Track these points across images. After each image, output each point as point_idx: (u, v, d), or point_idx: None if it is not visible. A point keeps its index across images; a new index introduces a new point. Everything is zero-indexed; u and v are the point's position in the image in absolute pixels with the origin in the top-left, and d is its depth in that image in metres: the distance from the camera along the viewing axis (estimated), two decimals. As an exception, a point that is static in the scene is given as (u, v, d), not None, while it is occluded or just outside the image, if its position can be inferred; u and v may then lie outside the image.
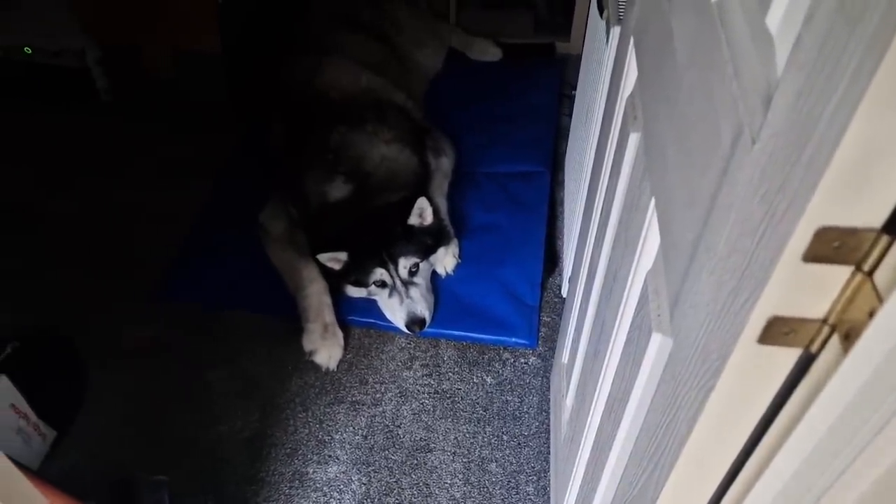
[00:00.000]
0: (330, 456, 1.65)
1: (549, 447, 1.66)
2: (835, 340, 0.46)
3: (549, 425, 1.69)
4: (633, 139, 0.93)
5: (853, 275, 0.43)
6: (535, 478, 1.61)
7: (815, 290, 0.45)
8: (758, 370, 0.51)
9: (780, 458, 0.52)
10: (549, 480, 1.60)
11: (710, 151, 0.59)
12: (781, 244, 0.44)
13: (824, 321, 0.47)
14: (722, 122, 0.57)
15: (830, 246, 0.42)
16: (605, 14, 1.27)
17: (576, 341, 1.38)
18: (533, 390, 1.77)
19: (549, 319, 1.93)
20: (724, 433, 0.57)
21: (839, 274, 0.44)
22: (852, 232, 0.41)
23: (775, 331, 0.48)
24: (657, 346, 0.72)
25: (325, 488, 1.60)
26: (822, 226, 0.42)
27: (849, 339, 0.44)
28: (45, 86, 2.52)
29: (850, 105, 0.38)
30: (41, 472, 1.57)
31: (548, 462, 1.64)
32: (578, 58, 2.13)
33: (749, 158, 0.50)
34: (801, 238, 0.43)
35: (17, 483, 0.64)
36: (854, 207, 0.41)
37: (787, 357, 0.50)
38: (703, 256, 0.59)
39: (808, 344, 0.48)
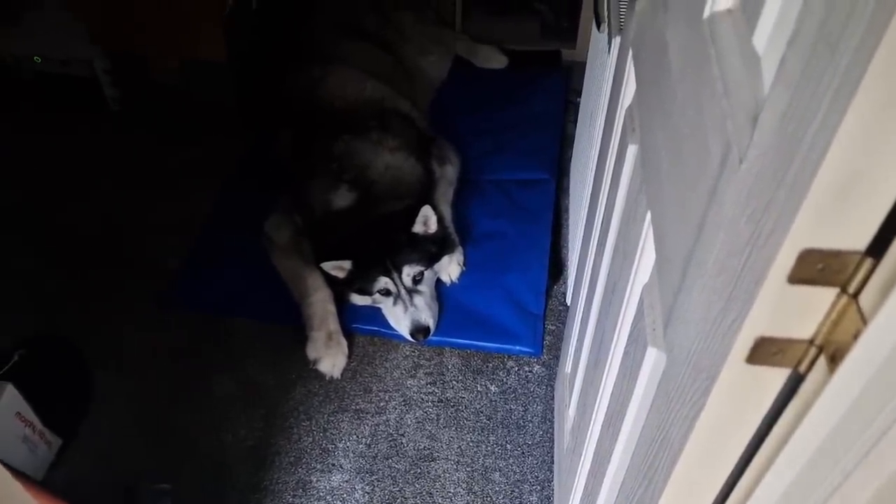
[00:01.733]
0: (333, 464, 1.65)
1: (552, 457, 1.65)
2: (822, 361, 0.46)
3: (552, 434, 1.69)
4: (632, 151, 0.93)
5: (838, 297, 0.43)
6: (538, 487, 1.61)
7: (802, 312, 0.45)
8: (747, 389, 0.51)
9: (770, 478, 0.52)
10: (552, 490, 1.59)
11: (701, 168, 0.59)
12: (767, 265, 0.44)
13: (811, 342, 0.46)
14: (712, 138, 0.57)
15: (815, 268, 0.42)
16: (602, 28, 1.27)
17: (578, 351, 1.38)
18: (537, 399, 1.77)
19: (553, 328, 1.92)
20: (716, 451, 0.57)
21: (825, 296, 0.44)
22: (836, 254, 0.41)
23: (763, 351, 0.48)
24: (652, 360, 0.71)
25: (328, 497, 1.60)
26: (805, 248, 0.41)
27: (835, 360, 0.44)
28: (54, 94, 2.54)
29: (830, 127, 0.38)
30: (47, 481, 1.58)
31: (551, 472, 1.63)
32: (584, 65, 2.13)
33: (736, 177, 0.50)
34: (785, 260, 0.43)
35: (10, 489, 0.64)
36: (837, 230, 0.41)
37: (775, 377, 0.50)
38: (695, 273, 0.59)
39: (796, 364, 0.48)
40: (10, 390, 1.49)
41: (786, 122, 0.43)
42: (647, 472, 0.71)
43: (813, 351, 0.46)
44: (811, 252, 0.41)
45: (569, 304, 1.91)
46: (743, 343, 0.48)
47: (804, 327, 0.46)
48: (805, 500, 0.52)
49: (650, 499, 0.69)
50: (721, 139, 0.54)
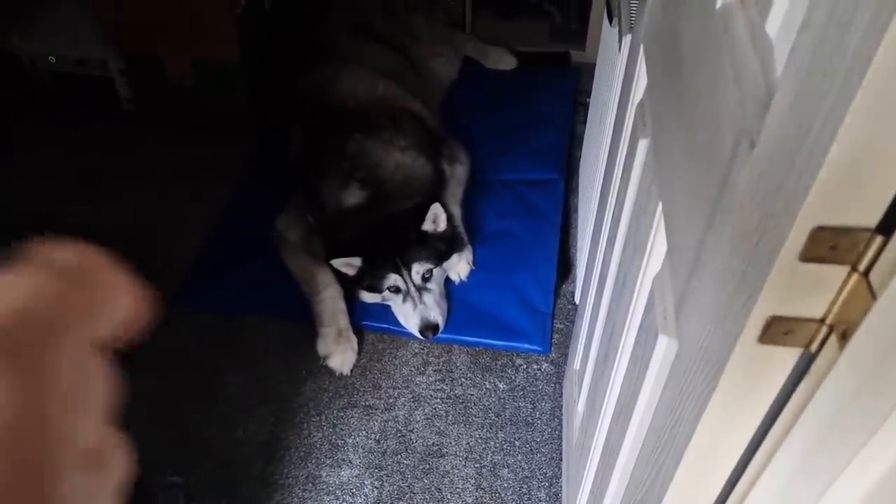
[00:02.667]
0: (343, 460, 1.66)
1: (561, 453, 1.66)
2: (833, 340, 0.47)
3: (561, 431, 1.70)
4: (643, 145, 0.94)
5: (849, 275, 0.44)
6: (546, 483, 1.62)
7: (813, 290, 0.46)
8: (759, 369, 0.52)
9: (781, 456, 0.53)
10: (560, 486, 1.60)
11: (713, 156, 0.61)
12: (778, 245, 0.45)
13: (822, 321, 0.47)
14: (724, 126, 0.58)
15: (826, 246, 0.43)
16: (614, 22, 1.29)
17: (587, 347, 1.39)
18: (545, 396, 1.78)
19: (562, 326, 1.93)
20: (727, 432, 0.58)
21: (835, 274, 0.45)
22: (846, 232, 0.42)
23: (775, 330, 0.49)
24: (663, 348, 0.72)
25: (337, 492, 1.61)
26: (816, 226, 0.43)
27: (845, 338, 0.45)
28: (68, 94, 2.57)
29: (841, 108, 0.39)
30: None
31: (560, 468, 1.64)
32: (593, 66, 2.14)
33: (749, 163, 0.51)
34: (796, 238, 0.44)
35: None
36: (848, 208, 0.42)
37: (787, 356, 0.51)
38: (706, 259, 0.60)
39: (807, 343, 0.49)
40: (26, 383, 1.51)
41: (797, 105, 0.44)
42: (657, 458, 0.72)
43: (824, 330, 0.47)
44: (822, 230, 0.42)
45: (577, 302, 1.93)
46: (755, 322, 0.49)
47: (815, 306, 0.47)
48: (815, 478, 0.53)
49: (661, 484, 0.70)
50: (734, 126, 0.55)
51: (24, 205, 2.24)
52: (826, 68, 0.40)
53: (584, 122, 2.27)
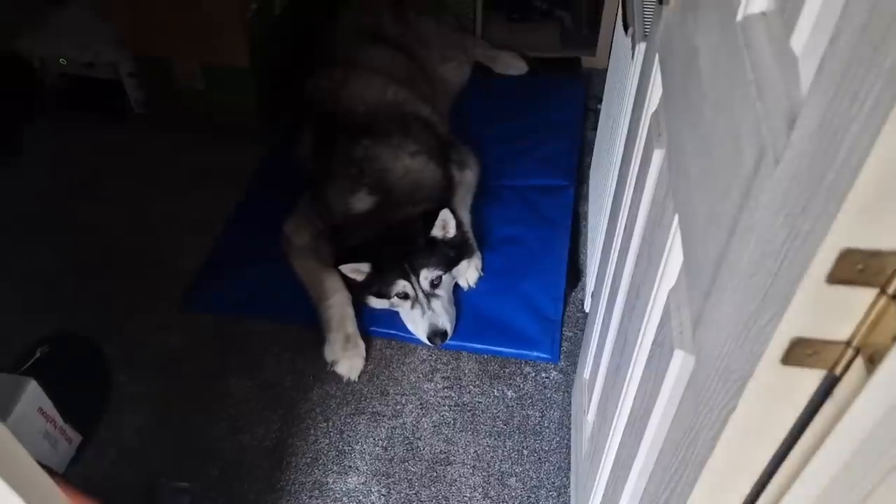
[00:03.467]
0: (350, 466, 1.66)
1: (569, 463, 1.65)
2: (859, 363, 0.46)
3: (569, 441, 1.68)
4: (658, 156, 0.93)
5: (877, 297, 0.43)
6: (554, 493, 1.60)
7: (839, 313, 0.45)
8: (780, 391, 0.51)
9: (803, 481, 0.52)
10: (569, 497, 1.59)
11: (732, 171, 0.59)
12: (804, 266, 0.44)
13: (848, 343, 0.46)
14: (745, 141, 0.57)
15: (854, 268, 0.42)
16: (630, 31, 1.28)
17: (598, 357, 1.38)
18: (554, 405, 1.76)
19: (571, 334, 1.92)
20: (746, 454, 0.57)
21: (863, 296, 0.44)
22: (876, 254, 0.41)
23: (799, 352, 0.48)
24: (679, 363, 0.71)
25: (344, 499, 1.60)
26: (845, 248, 0.41)
27: (873, 362, 0.44)
28: (79, 97, 2.57)
29: (873, 128, 0.38)
30: (66, 476, 1.59)
31: (568, 478, 1.63)
32: (604, 72, 2.13)
33: (772, 179, 0.50)
34: (824, 260, 0.43)
35: (40, 479, 0.65)
36: (878, 230, 0.41)
37: (810, 378, 0.50)
38: (726, 276, 0.59)
39: (832, 366, 0.48)
40: (33, 385, 1.50)
41: (826, 122, 0.43)
42: (672, 476, 0.71)
43: (850, 353, 0.46)
44: (852, 252, 0.41)
45: (587, 310, 1.91)
46: (778, 344, 0.48)
47: (841, 328, 0.46)
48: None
49: (676, 502, 0.68)
50: (755, 142, 0.54)
51: (33, 205, 2.25)
52: (858, 86, 0.39)
53: (595, 129, 2.26)
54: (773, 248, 0.49)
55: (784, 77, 0.52)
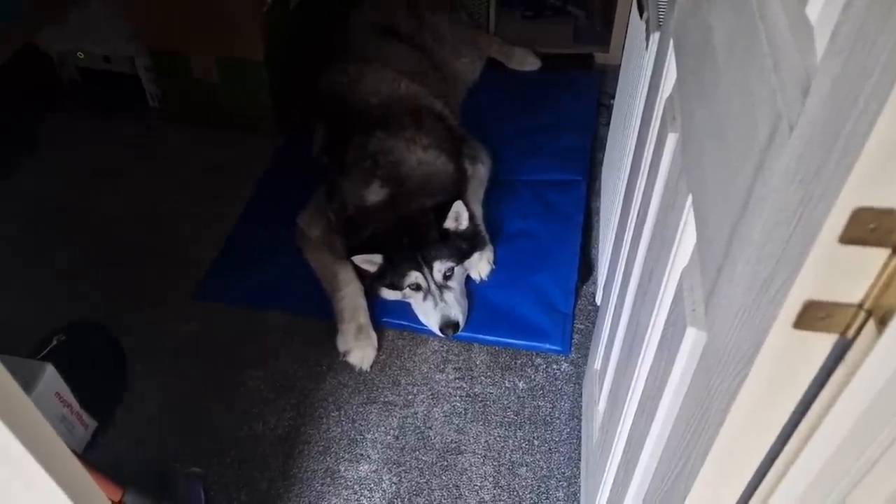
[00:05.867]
0: (361, 455, 1.67)
1: (579, 453, 1.65)
2: (871, 326, 0.47)
3: (579, 431, 1.69)
4: (672, 139, 0.94)
5: (889, 258, 0.44)
6: (565, 483, 1.61)
7: (852, 274, 0.46)
8: (793, 355, 0.51)
9: (814, 444, 0.53)
10: (579, 486, 1.59)
11: (747, 145, 0.60)
12: (818, 226, 0.44)
13: (860, 306, 0.47)
14: (759, 115, 0.57)
15: (867, 228, 0.43)
16: (644, 15, 1.28)
17: (608, 347, 1.38)
18: (565, 396, 1.77)
19: (582, 327, 1.93)
20: (759, 421, 0.57)
21: (875, 257, 0.44)
22: (889, 213, 0.42)
23: (811, 315, 0.49)
24: (692, 340, 0.72)
25: (355, 486, 1.61)
26: (858, 207, 0.42)
27: (884, 323, 0.45)
28: (96, 90, 2.60)
29: (884, 88, 0.38)
30: (83, 461, 1.61)
31: (578, 468, 1.63)
32: (617, 68, 2.14)
33: (786, 146, 0.50)
34: (837, 220, 0.43)
35: (70, 462, 0.67)
36: (891, 188, 0.41)
37: (823, 343, 0.50)
38: (738, 248, 0.60)
39: (844, 329, 0.48)
40: (51, 370, 1.53)
41: (838, 87, 0.44)
42: (684, 451, 0.72)
43: (862, 315, 0.47)
44: (864, 211, 0.42)
45: (598, 303, 1.92)
46: (791, 307, 0.48)
47: (854, 291, 0.46)
48: (848, 469, 0.52)
49: (688, 476, 0.69)
50: (770, 112, 0.54)
51: (51, 197, 2.28)
52: (870, 48, 0.40)
53: (608, 125, 2.26)
54: (786, 215, 0.50)
55: (799, 47, 0.52)
